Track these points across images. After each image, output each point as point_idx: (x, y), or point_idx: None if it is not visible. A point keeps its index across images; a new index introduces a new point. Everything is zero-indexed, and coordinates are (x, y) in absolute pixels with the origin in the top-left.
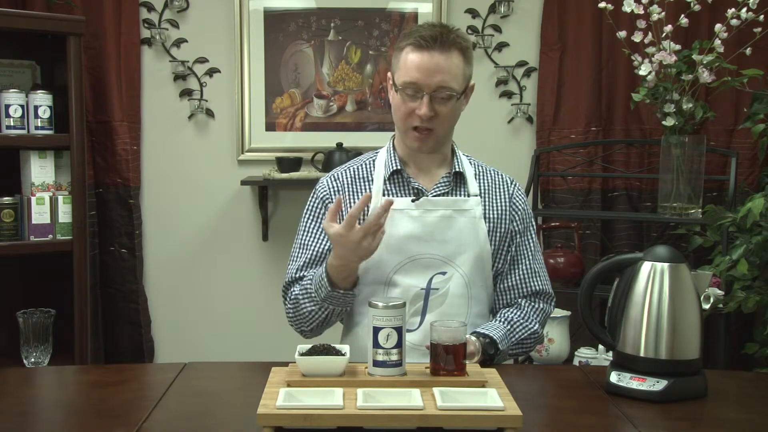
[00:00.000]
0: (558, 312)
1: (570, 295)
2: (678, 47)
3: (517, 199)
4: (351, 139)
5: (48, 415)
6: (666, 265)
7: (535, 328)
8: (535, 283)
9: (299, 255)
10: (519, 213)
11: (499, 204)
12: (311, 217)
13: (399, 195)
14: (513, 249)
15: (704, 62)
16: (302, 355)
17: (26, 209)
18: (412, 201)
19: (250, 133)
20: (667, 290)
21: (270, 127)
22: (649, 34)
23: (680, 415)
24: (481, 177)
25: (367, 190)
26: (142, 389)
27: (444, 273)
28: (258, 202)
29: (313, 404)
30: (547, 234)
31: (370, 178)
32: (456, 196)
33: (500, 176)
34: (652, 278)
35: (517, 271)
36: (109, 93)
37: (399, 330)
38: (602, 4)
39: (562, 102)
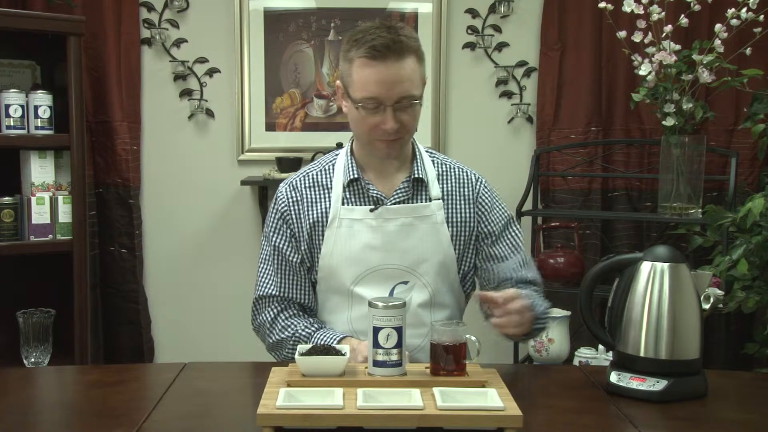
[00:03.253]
0: (558, 312)
1: (570, 295)
2: (678, 47)
3: (484, 198)
4: None
5: (48, 415)
6: (666, 265)
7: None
8: (527, 272)
9: (266, 269)
10: (488, 213)
11: (463, 207)
12: (273, 230)
13: (358, 203)
14: (496, 249)
15: (704, 62)
16: (302, 355)
17: (26, 209)
18: (371, 211)
19: (250, 133)
20: (667, 290)
21: (270, 127)
22: (649, 34)
23: (680, 415)
24: (445, 178)
25: (326, 198)
26: (142, 389)
27: (406, 282)
28: (258, 202)
29: (313, 404)
30: (547, 234)
31: (329, 185)
32: (416, 201)
33: (465, 174)
34: (652, 278)
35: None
36: (109, 93)
37: (399, 330)
38: (602, 4)
39: (562, 102)
